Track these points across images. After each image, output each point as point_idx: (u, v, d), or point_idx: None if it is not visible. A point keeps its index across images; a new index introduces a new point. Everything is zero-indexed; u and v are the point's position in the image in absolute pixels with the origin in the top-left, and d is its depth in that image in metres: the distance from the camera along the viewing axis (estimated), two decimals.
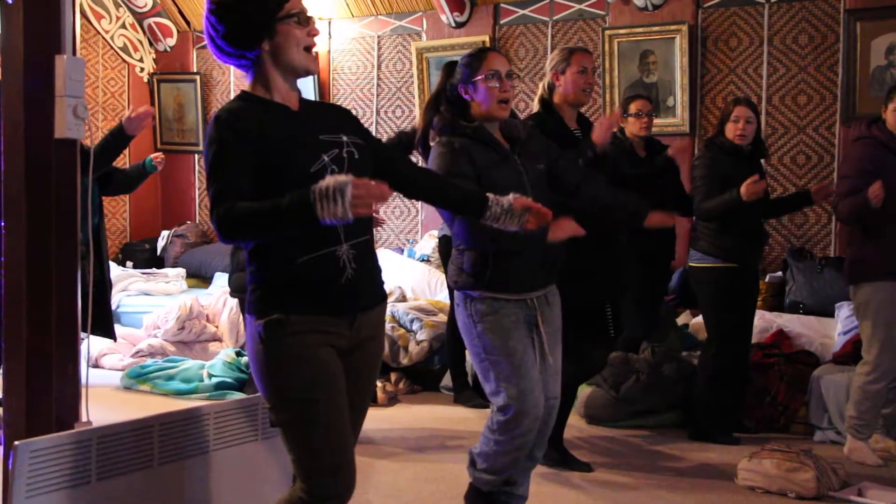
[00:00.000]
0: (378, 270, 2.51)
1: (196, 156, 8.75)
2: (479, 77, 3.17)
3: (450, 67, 3.28)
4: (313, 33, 2.41)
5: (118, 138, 4.89)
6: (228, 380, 5.72)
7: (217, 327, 6.67)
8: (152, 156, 5.27)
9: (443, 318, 6.16)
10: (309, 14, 2.41)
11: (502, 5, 7.26)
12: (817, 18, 6.29)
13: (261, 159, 2.28)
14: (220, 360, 5.94)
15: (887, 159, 4.40)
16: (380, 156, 2.54)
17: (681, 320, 5.95)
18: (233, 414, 3.22)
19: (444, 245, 5.56)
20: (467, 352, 5.44)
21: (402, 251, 7.47)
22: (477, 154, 3.14)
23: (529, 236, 3.05)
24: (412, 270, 7.00)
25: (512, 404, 3.11)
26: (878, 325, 4.41)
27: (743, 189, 4.53)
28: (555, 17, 7.11)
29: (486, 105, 3.18)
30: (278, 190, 2.24)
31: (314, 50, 2.43)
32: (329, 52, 8.02)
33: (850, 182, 4.44)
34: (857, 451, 4.49)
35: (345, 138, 2.39)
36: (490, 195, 2.65)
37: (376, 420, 5.17)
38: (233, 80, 8.37)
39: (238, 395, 5.45)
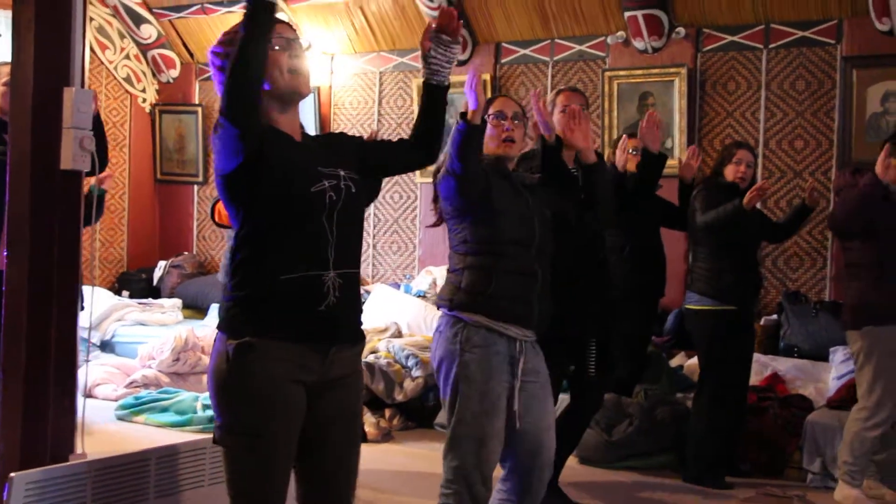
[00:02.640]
0: (360, 308, 2.51)
1: (195, 187, 8.77)
2: (487, 117, 3.25)
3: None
4: (295, 55, 2.42)
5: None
6: None
7: None
8: (93, 181, 5.14)
9: None
10: (291, 38, 2.43)
11: (503, 44, 7.34)
12: (814, 65, 6.37)
13: (261, 161, 2.31)
14: None
15: (880, 206, 4.44)
16: (371, 155, 2.59)
17: (675, 362, 5.96)
18: None
19: None
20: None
21: (398, 287, 7.48)
22: (494, 182, 3.19)
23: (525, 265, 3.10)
24: (408, 306, 7.00)
25: (468, 446, 3.05)
26: (881, 371, 4.41)
27: (746, 198, 4.59)
28: (555, 58, 7.19)
29: (491, 142, 3.26)
30: (276, 203, 2.31)
31: (305, 73, 2.45)
32: (331, 87, 8.09)
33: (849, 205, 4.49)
34: (853, 498, 4.47)
35: (342, 173, 2.43)
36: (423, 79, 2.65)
37: (369, 457, 5.14)
38: None
39: None
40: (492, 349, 3.08)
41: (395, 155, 2.69)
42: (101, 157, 4.87)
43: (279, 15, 2.39)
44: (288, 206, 2.33)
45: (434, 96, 2.64)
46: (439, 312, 6.01)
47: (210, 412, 5.76)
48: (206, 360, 6.63)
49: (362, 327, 2.53)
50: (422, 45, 2.63)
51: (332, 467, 2.45)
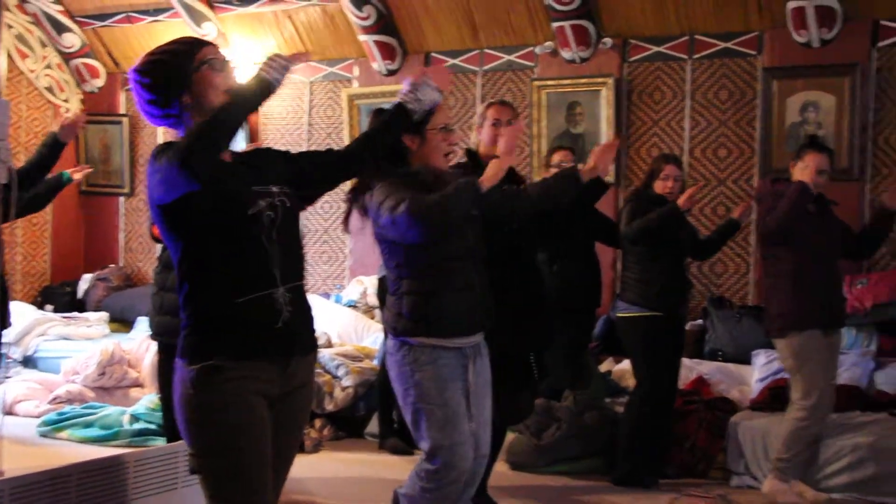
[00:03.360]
0: (312, 315, 2.53)
1: (121, 198, 8.64)
2: (430, 128, 3.23)
3: (380, 113, 3.32)
4: (229, 75, 2.45)
5: (53, 149, 4.73)
6: (152, 426, 5.61)
7: (139, 373, 6.55)
8: (72, 170, 5.14)
9: (369, 363, 6.15)
10: (225, 59, 2.46)
11: (433, 54, 7.37)
12: (737, 75, 6.52)
13: (199, 191, 2.29)
14: (143, 405, 5.83)
15: (804, 215, 4.57)
16: (307, 163, 2.61)
17: (604, 367, 6.03)
18: (153, 462, 3.18)
19: (383, 286, 5.56)
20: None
21: (328, 296, 7.45)
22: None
23: (465, 274, 3.12)
24: (339, 316, 6.98)
25: (441, 456, 3.11)
26: (816, 373, 4.53)
27: (682, 199, 4.71)
28: (484, 68, 7.24)
29: (433, 156, 3.24)
30: (216, 231, 2.31)
31: None
32: None
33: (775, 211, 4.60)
34: (782, 493, 4.59)
35: (274, 189, 2.43)
36: (399, 98, 2.72)
37: (300, 467, 5.08)
38: None
39: (160, 442, 5.35)
40: (440, 362, 3.14)
41: (326, 169, 2.68)
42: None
43: (206, 36, 2.41)
44: (228, 232, 2.34)
45: (401, 122, 2.72)
46: (371, 322, 6.02)
47: (137, 425, 5.66)
48: (133, 373, 6.52)
49: (315, 336, 2.56)
50: (414, 76, 2.74)
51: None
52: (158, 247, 5.83)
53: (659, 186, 4.94)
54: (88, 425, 5.73)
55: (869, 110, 6.11)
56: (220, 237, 2.34)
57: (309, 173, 2.61)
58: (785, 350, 4.61)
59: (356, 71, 7.68)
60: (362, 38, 7.29)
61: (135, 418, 5.70)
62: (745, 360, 5.88)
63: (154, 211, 2.38)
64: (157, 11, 7.80)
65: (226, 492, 2.35)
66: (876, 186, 6.09)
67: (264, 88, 2.31)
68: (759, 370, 5.62)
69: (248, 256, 2.35)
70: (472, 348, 3.23)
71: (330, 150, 2.73)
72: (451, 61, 7.31)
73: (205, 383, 2.31)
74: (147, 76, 2.42)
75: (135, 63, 2.46)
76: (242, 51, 7.83)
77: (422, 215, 2.99)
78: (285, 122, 7.97)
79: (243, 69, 7.86)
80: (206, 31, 7.47)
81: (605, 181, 4.31)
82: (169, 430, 4.47)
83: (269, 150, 2.65)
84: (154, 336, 4.60)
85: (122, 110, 8.54)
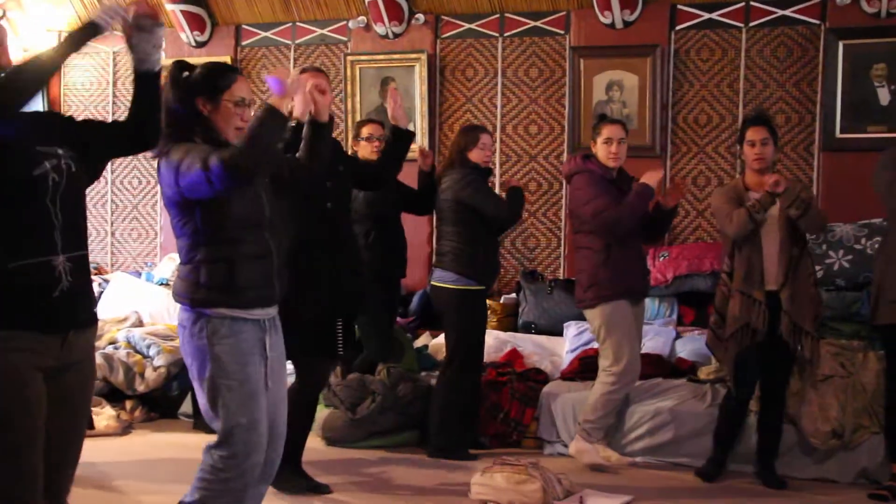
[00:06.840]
0: (92, 289, 2.45)
1: None
2: (226, 98, 3.06)
3: (180, 69, 3.13)
4: None
5: None
6: None
7: None
8: None
9: None
10: None
11: (244, 27, 7.19)
12: (546, 54, 6.68)
13: None
14: None
15: (607, 190, 4.75)
16: (85, 136, 2.51)
17: (421, 341, 6.09)
18: None
19: None
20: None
21: (139, 275, 7.18)
22: None
23: (265, 245, 3.05)
24: (150, 294, 6.74)
25: (239, 435, 2.99)
26: (624, 340, 4.73)
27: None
28: (297, 41, 7.13)
29: (224, 127, 3.06)
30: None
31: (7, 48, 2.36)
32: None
33: (602, 198, 4.72)
34: (587, 452, 4.78)
35: (60, 151, 2.34)
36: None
37: (109, 450, 4.94)
38: None
39: None
40: (241, 336, 3.02)
41: (111, 140, 2.60)
42: None
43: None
44: (9, 192, 2.22)
45: (147, 84, 2.61)
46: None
47: None
48: None
49: (95, 310, 2.48)
50: (125, 37, 2.58)
51: (54, 456, 2.33)
52: None
53: (478, 155, 5.02)
54: None
55: (668, 90, 6.41)
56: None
57: (94, 143, 2.52)
58: (595, 319, 4.80)
59: (163, 42, 7.38)
60: (169, 7, 7.02)
61: None
62: (558, 331, 6.05)
63: None
64: None
65: None
66: (676, 163, 6.40)
67: None
68: (570, 341, 5.82)
69: (28, 220, 2.24)
70: (269, 321, 3.13)
71: (115, 122, 2.65)
72: (262, 34, 7.15)
73: None
74: None
75: None
76: (39, 17, 7.40)
77: (234, 161, 2.83)
78: (88, 94, 7.59)
79: (38, 37, 7.45)
80: None
81: (408, 130, 4.44)
82: None
83: (54, 112, 2.54)
84: None
85: None
